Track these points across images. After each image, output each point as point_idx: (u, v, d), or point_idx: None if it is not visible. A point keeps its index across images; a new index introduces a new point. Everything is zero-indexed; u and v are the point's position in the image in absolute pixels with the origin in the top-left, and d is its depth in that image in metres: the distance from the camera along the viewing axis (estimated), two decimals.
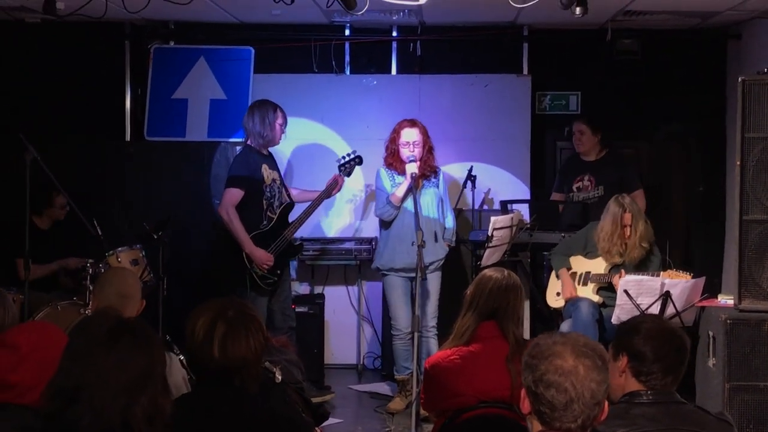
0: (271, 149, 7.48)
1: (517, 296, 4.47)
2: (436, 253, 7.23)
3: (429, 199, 7.25)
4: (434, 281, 7.27)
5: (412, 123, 7.28)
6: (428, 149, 7.28)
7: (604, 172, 8.13)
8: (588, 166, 8.25)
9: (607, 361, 2.65)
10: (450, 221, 7.42)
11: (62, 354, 2.60)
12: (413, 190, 7.02)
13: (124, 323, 2.64)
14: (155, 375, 2.58)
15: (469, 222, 8.23)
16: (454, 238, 7.45)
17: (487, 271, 4.62)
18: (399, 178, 7.22)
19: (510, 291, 4.45)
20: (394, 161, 7.25)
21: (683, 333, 3.54)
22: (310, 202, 7.52)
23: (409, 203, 7.08)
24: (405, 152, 7.17)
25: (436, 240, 7.23)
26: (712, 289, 6.63)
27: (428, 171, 7.28)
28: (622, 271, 6.65)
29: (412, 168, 7.07)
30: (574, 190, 8.23)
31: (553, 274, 7.22)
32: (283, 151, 7.97)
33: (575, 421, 2.58)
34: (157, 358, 2.61)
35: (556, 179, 8.60)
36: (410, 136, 7.20)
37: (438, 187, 7.34)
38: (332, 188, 7.58)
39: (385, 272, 7.30)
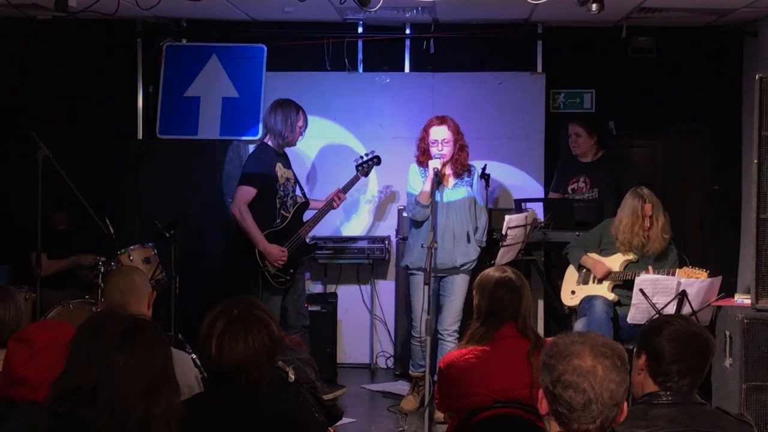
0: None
1: (523, 292, 4.43)
2: (468, 254, 7.13)
3: (459, 196, 7.15)
4: (461, 284, 7.15)
5: (441, 120, 7.17)
6: (460, 147, 7.15)
7: (599, 174, 8.12)
8: (584, 167, 8.24)
9: (626, 362, 2.60)
10: (483, 221, 7.30)
11: (70, 352, 2.56)
12: (436, 185, 6.93)
13: (134, 323, 2.61)
14: (169, 374, 2.55)
15: None
16: (485, 238, 7.30)
17: (486, 271, 4.60)
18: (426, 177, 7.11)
19: (515, 289, 4.41)
20: (425, 159, 7.13)
21: (708, 336, 3.49)
22: (315, 211, 7.47)
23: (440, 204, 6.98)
24: (434, 150, 7.06)
25: (468, 240, 7.14)
26: (727, 289, 6.55)
27: (460, 169, 7.16)
28: (650, 267, 6.58)
29: (434, 164, 6.97)
30: (569, 191, 8.22)
31: (568, 271, 7.16)
32: (296, 150, 7.93)
33: (594, 422, 2.53)
34: (168, 356, 2.58)
35: (554, 180, 8.55)
36: (439, 134, 7.11)
37: (471, 186, 7.22)
38: (332, 203, 7.49)
39: (414, 271, 7.20)
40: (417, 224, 7.24)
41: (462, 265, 7.13)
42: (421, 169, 7.22)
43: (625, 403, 2.58)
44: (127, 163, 8.41)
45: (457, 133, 7.17)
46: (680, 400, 3.32)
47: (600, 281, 6.87)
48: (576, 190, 8.21)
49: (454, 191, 7.15)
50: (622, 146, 9.09)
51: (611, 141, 8.62)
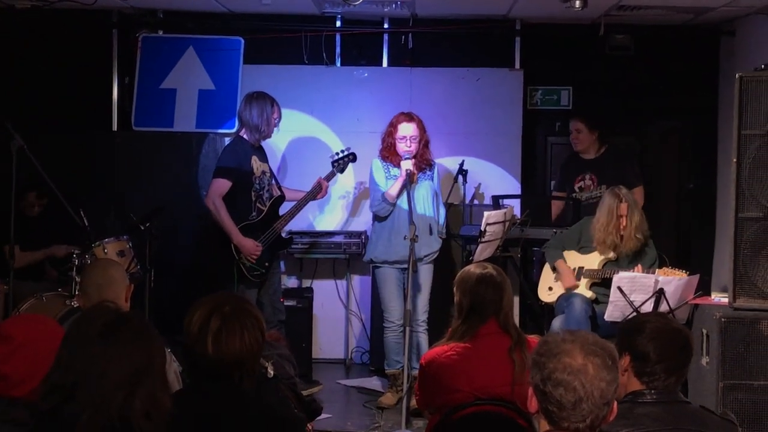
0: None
1: (504, 289, 4.41)
2: (431, 245, 7.24)
3: (424, 193, 7.24)
4: (427, 274, 7.25)
5: (410, 117, 7.24)
6: (425, 143, 7.27)
7: (605, 171, 8.04)
8: (588, 164, 8.18)
9: (617, 360, 2.59)
10: (442, 215, 7.41)
11: (59, 349, 2.53)
12: (408, 185, 6.98)
13: (120, 317, 2.58)
14: (154, 369, 2.52)
15: (461, 216, 8.16)
16: (444, 230, 7.43)
17: (467, 268, 4.58)
18: (394, 170, 7.20)
19: (497, 285, 4.39)
20: (390, 154, 7.24)
21: (688, 332, 3.50)
22: (295, 202, 7.44)
23: (404, 198, 7.02)
24: (402, 147, 7.15)
25: (431, 233, 7.24)
26: (703, 287, 6.58)
27: (424, 164, 7.26)
28: (639, 265, 6.60)
29: (407, 165, 7.05)
30: (576, 190, 8.15)
31: (545, 268, 7.17)
32: (272, 143, 7.88)
33: (584, 421, 2.52)
34: (155, 352, 2.55)
35: (557, 177, 8.53)
36: (407, 130, 7.17)
37: (433, 180, 7.32)
38: (316, 192, 7.48)
39: (378, 264, 7.26)
40: (380, 218, 7.31)
41: (426, 256, 7.22)
42: (384, 164, 7.26)
43: (615, 402, 2.57)
44: (102, 155, 8.34)
45: (423, 130, 7.29)
46: (665, 399, 3.32)
47: (578, 278, 6.88)
48: (583, 188, 8.14)
49: (418, 186, 7.22)
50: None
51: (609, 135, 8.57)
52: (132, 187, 8.23)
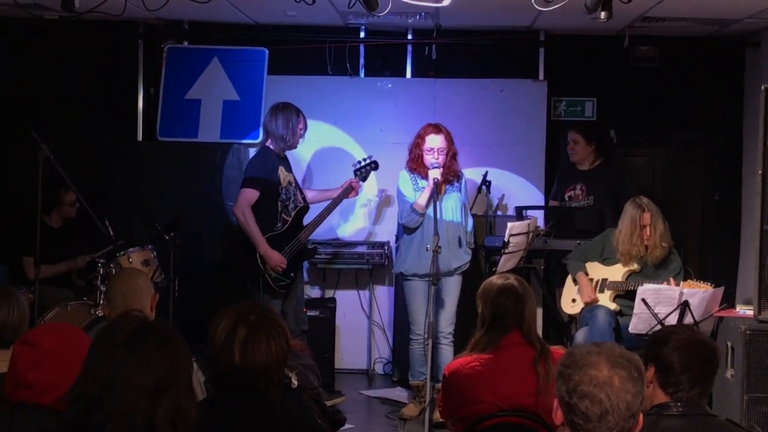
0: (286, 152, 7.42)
1: (526, 300, 4.40)
2: (461, 257, 7.21)
3: (452, 204, 7.21)
4: (454, 287, 7.21)
5: (437, 129, 7.21)
6: (452, 155, 7.23)
7: (596, 182, 8.14)
8: (581, 175, 8.26)
9: (643, 373, 2.58)
10: (470, 225, 7.38)
11: (85, 358, 2.54)
12: (435, 195, 6.96)
13: (146, 326, 2.58)
14: (179, 378, 2.52)
15: (484, 227, 8.15)
16: (472, 241, 7.40)
17: (489, 279, 4.58)
18: (422, 183, 7.16)
19: (518, 296, 4.39)
20: (417, 166, 7.20)
21: (714, 344, 3.49)
22: (325, 205, 7.47)
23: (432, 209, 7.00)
24: (429, 158, 7.12)
25: (460, 245, 7.21)
26: (727, 299, 6.56)
27: (451, 176, 7.23)
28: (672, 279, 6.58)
29: (434, 174, 7.02)
30: (566, 198, 8.23)
31: (568, 279, 7.16)
32: (296, 153, 7.91)
33: None
34: (181, 360, 2.55)
35: (553, 187, 8.54)
36: (435, 142, 7.14)
37: (460, 191, 7.29)
38: (348, 191, 7.53)
39: (408, 277, 7.23)
40: (408, 230, 7.28)
41: (456, 269, 7.19)
42: (412, 175, 7.24)
43: (641, 415, 2.56)
44: (127, 165, 8.37)
45: (451, 142, 7.26)
46: (690, 412, 3.30)
47: (602, 290, 6.87)
48: (573, 197, 8.21)
49: (446, 198, 7.19)
50: (622, 155, 9.08)
51: (612, 149, 8.59)
52: (156, 196, 8.26)
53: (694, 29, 8.27)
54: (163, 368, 2.50)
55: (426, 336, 6.66)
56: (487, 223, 8.08)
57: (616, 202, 7.66)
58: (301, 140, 7.42)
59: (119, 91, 8.78)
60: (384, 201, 8.60)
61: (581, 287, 6.95)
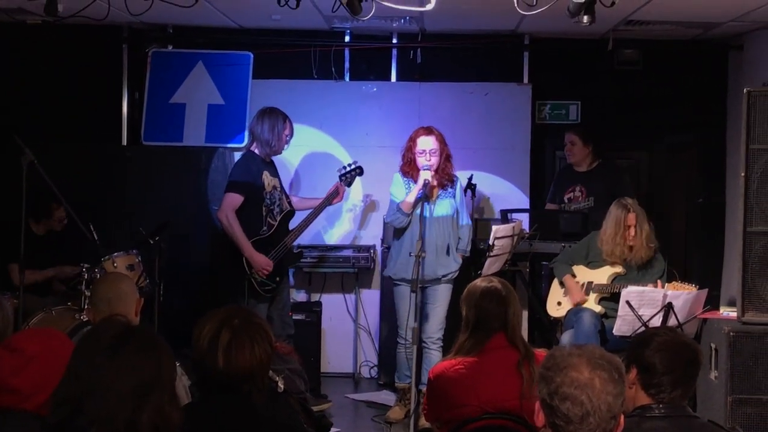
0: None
1: (510, 302, 4.41)
2: (448, 265, 7.16)
3: (444, 210, 7.16)
4: (444, 293, 7.19)
5: (429, 131, 7.17)
6: (446, 157, 7.17)
7: (595, 183, 8.13)
8: (580, 176, 8.26)
9: (623, 374, 2.59)
10: (465, 232, 7.29)
11: (68, 363, 2.54)
12: (424, 199, 6.94)
13: (129, 330, 2.59)
14: (162, 382, 2.52)
15: (469, 231, 8.14)
16: (468, 248, 7.32)
17: (474, 282, 4.58)
18: (414, 186, 7.10)
19: (502, 299, 4.39)
20: (410, 169, 7.16)
21: (696, 346, 3.51)
22: (310, 210, 7.48)
23: (423, 214, 6.98)
24: (421, 161, 7.07)
25: (448, 253, 7.16)
26: (711, 301, 6.58)
27: (445, 180, 7.17)
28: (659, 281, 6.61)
29: (425, 175, 6.98)
30: (566, 200, 8.23)
31: (554, 283, 7.18)
32: (281, 157, 7.90)
33: None
34: (164, 365, 2.55)
35: (550, 189, 8.56)
36: (427, 144, 7.11)
37: (455, 197, 7.23)
38: (333, 197, 7.54)
39: (397, 282, 7.22)
40: (399, 234, 7.25)
41: (443, 276, 7.16)
42: (405, 179, 7.21)
43: (622, 416, 2.58)
44: (111, 170, 8.37)
45: (444, 144, 7.18)
46: (672, 413, 3.32)
47: (587, 293, 6.89)
48: (572, 199, 8.21)
49: (438, 203, 7.15)
50: (606, 158, 9.10)
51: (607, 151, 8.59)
52: (141, 201, 8.26)
53: (678, 32, 8.31)
54: (145, 373, 2.51)
55: (411, 341, 6.66)
56: (472, 226, 8.08)
57: (612, 201, 7.66)
58: (286, 146, 7.42)
59: (104, 96, 8.78)
60: (369, 206, 8.61)
61: (570, 290, 6.97)
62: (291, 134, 7.39)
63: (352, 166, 7.77)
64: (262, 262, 7.04)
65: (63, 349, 2.97)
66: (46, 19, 6.54)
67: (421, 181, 6.97)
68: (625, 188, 8.06)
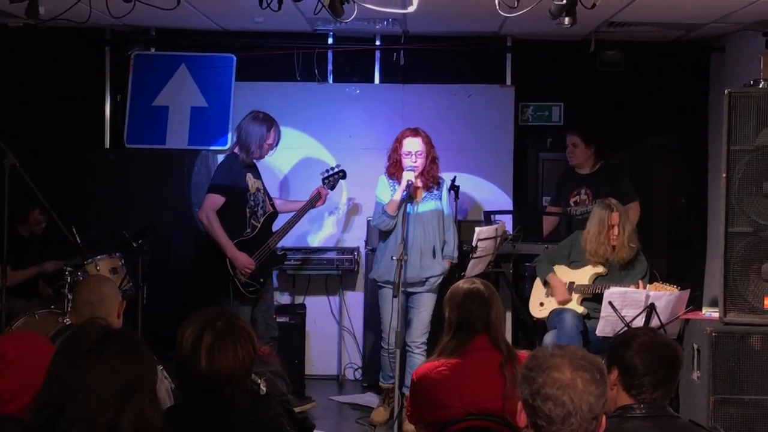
0: None
1: (492, 304, 4.42)
2: (433, 268, 7.13)
3: (429, 213, 7.15)
4: (429, 298, 7.18)
5: (415, 132, 7.17)
6: (431, 159, 7.16)
7: (600, 186, 8.02)
8: (584, 179, 8.19)
9: (605, 375, 2.61)
10: (451, 236, 7.28)
11: (49, 366, 2.53)
12: (409, 199, 6.93)
13: (110, 333, 2.58)
14: (143, 386, 2.52)
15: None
16: (456, 254, 7.29)
17: (456, 284, 4.60)
18: (399, 188, 7.10)
19: (484, 300, 4.41)
20: (396, 170, 7.15)
21: (677, 346, 3.52)
22: (293, 213, 7.48)
23: (409, 217, 6.97)
24: (407, 162, 7.07)
25: (434, 255, 7.14)
26: (694, 302, 6.62)
27: (431, 181, 7.17)
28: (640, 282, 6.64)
29: (409, 176, 6.98)
30: (572, 204, 8.16)
31: (536, 283, 7.19)
32: (264, 159, 7.90)
33: None
34: (145, 368, 2.55)
35: (552, 193, 8.54)
36: (412, 145, 7.11)
37: (440, 199, 7.23)
38: (316, 200, 7.54)
39: (382, 284, 7.20)
40: (384, 237, 7.24)
41: (428, 279, 7.13)
42: (391, 181, 7.21)
43: (604, 417, 2.59)
44: (94, 172, 8.33)
45: (430, 146, 7.18)
46: (654, 413, 3.33)
47: (569, 293, 6.90)
48: (578, 203, 8.14)
49: (423, 204, 7.14)
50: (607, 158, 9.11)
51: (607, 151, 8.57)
52: (124, 204, 8.22)
53: (660, 34, 8.34)
54: (126, 376, 2.50)
55: (393, 346, 6.66)
56: (455, 227, 8.09)
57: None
58: (271, 152, 7.39)
59: (86, 98, 8.76)
60: (353, 208, 8.61)
61: (554, 288, 6.97)
62: (275, 144, 7.37)
63: (335, 170, 7.76)
64: (244, 260, 7.03)
65: (44, 353, 2.96)
66: (28, 22, 6.52)
67: (404, 182, 6.97)
68: (629, 189, 8.05)
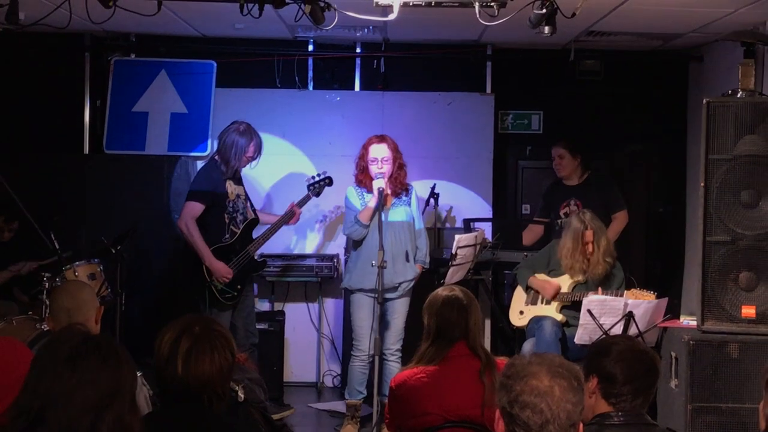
0: None
1: (471, 311, 4.42)
2: (405, 273, 7.11)
3: (399, 217, 7.14)
4: (402, 304, 7.15)
5: (381, 139, 7.19)
6: (398, 165, 7.16)
7: (589, 196, 8.01)
8: (572, 190, 8.18)
9: (582, 382, 2.61)
10: (422, 242, 7.27)
11: (27, 373, 2.52)
12: (381, 207, 6.94)
13: (89, 340, 2.57)
14: (122, 392, 2.51)
15: (432, 240, 8.17)
16: (428, 260, 7.29)
17: (435, 291, 4.59)
18: (369, 196, 7.09)
19: (463, 307, 4.40)
20: (364, 178, 7.15)
21: (654, 354, 3.54)
22: (267, 226, 7.46)
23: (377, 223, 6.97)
24: (374, 169, 7.07)
25: (407, 260, 7.13)
26: (672, 310, 6.64)
27: (399, 188, 7.17)
28: (599, 289, 6.67)
29: (379, 183, 6.98)
30: (562, 216, 8.12)
31: (517, 291, 7.20)
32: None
33: None
34: (124, 375, 2.53)
35: (540, 204, 8.53)
36: (379, 152, 7.11)
37: (409, 205, 7.23)
38: (289, 217, 7.48)
39: (354, 292, 7.17)
40: (356, 244, 7.23)
41: (400, 284, 7.12)
42: (359, 189, 7.21)
43: (581, 424, 2.59)
44: (73, 178, 8.28)
45: (396, 152, 7.19)
46: (632, 421, 3.34)
47: (548, 302, 6.93)
48: (569, 214, 8.14)
49: (393, 212, 7.13)
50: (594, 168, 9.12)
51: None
52: (103, 210, 8.16)
53: (639, 43, 8.39)
54: (105, 383, 2.49)
55: (372, 352, 6.65)
56: (435, 235, 8.11)
57: (606, 212, 7.70)
58: (254, 162, 7.36)
59: (66, 104, 8.73)
60: (339, 217, 8.56)
61: (541, 287, 6.97)
62: (255, 158, 7.32)
63: (322, 177, 7.74)
64: (222, 269, 7.02)
65: (21, 359, 2.95)
66: (8, 27, 6.48)
67: (376, 191, 6.96)
68: (618, 198, 8.07)
